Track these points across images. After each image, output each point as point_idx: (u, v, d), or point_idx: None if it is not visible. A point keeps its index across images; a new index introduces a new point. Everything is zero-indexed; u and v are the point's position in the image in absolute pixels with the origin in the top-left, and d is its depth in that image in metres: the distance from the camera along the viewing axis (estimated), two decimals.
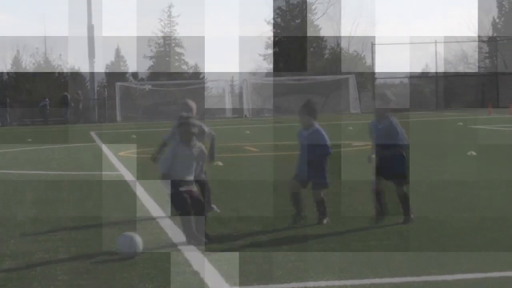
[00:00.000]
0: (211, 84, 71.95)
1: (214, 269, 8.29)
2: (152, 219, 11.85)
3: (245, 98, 63.17)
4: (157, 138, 30.47)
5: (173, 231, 10.54)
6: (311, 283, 7.63)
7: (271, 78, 68.71)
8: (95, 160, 23.20)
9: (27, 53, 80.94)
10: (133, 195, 14.62)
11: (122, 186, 16.33)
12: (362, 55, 78.44)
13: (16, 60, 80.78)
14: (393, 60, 75.26)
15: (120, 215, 12.36)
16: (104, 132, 41.25)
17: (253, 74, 77.74)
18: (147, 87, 72.10)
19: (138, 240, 9.00)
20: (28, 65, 79.52)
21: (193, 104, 12.01)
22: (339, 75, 67.44)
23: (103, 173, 18.91)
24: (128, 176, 18.16)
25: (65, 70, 76.53)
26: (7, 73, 75.96)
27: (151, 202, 13.46)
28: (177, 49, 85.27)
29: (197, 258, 8.83)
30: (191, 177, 9.93)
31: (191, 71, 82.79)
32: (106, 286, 7.84)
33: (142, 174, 17.60)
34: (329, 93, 66.41)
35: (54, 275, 8.28)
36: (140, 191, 15.06)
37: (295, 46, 75.35)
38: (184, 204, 9.62)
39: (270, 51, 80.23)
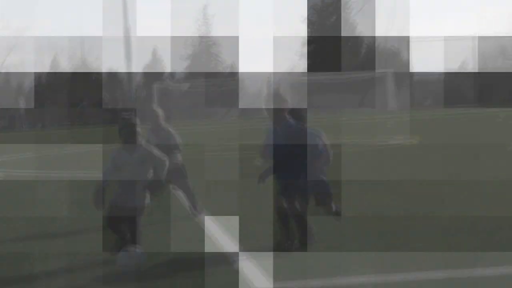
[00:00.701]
0: (246, 83, 71.99)
1: (250, 265, 8.30)
2: (188, 219, 11.88)
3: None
4: (194, 138, 30.95)
5: (208, 226, 10.58)
6: (345, 280, 7.60)
7: (306, 78, 68.57)
8: None
9: (64, 55, 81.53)
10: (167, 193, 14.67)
11: None
12: (398, 51, 77.96)
13: (54, 62, 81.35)
14: (429, 56, 74.53)
15: (156, 214, 12.38)
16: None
17: (288, 73, 77.59)
18: (184, 87, 72.33)
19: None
20: (66, 66, 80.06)
21: (159, 110, 11.83)
22: (375, 72, 67.16)
23: None
24: None
25: (102, 71, 76.94)
26: (46, 74, 76.56)
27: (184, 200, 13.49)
28: (213, 49, 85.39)
29: (233, 255, 8.84)
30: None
31: (227, 71, 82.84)
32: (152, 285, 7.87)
33: None
34: (365, 90, 66.20)
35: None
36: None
37: (329, 45, 75.11)
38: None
39: (305, 49, 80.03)
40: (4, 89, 74.81)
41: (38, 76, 75.47)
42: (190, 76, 79.36)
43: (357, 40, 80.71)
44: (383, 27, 78.50)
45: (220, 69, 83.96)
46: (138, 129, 8.68)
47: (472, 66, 69.67)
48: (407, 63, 70.95)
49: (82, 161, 24.57)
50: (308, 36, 79.35)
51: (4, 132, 54.93)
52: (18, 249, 8.62)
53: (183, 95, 69.20)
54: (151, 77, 74.10)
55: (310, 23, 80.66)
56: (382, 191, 14.25)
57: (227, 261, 8.69)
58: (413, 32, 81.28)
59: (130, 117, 8.75)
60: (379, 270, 7.95)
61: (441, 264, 8.10)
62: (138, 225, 8.65)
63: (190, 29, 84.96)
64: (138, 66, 77.03)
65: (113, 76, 75.91)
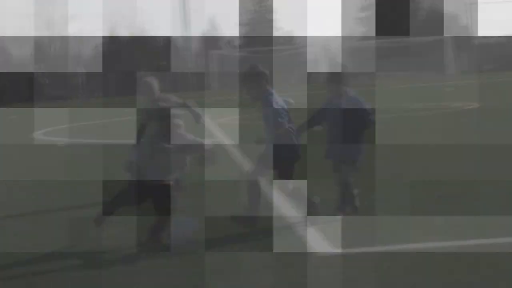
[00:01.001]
0: (306, 49, 71.58)
1: (316, 233, 8.30)
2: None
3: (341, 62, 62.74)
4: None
5: (276, 193, 10.60)
6: (413, 246, 7.56)
7: (368, 42, 67.96)
8: (195, 127, 23.34)
9: (122, 22, 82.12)
10: (229, 159, 14.73)
11: (221, 152, 16.44)
12: (459, 14, 76.72)
13: (112, 29, 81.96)
14: (491, 20, 72.97)
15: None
16: (201, 100, 41.40)
17: (349, 38, 76.95)
18: (242, 54, 72.31)
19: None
20: (124, 33, 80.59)
21: (153, 82, 10.96)
22: (435, 36, 66.23)
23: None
24: (228, 141, 18.33)
25: (159, 37, 77.21)
26: (103, 41, 77.09)
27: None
28: (271, 15, 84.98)
29: (299, 222, 8.85)
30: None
31: (286, 36, 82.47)
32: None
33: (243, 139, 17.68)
34: (425, 54, 65.38)
35: None
36: (238, 156, 15.16)
37: (395, 8, 74.17)
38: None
39: (368, 13, 79.17)
40: (65, 57, 75.65)
41: (98, 43, 76.08)
42: (248, 42, 79.27)
43: (421, 4, 79.59)
44: None
45: (279, 34, 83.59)
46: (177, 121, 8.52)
47: None
48: (468, 26, 69.76)
49: None
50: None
51: (65, 99, 55.52)
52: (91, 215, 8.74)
53: (241, 62, 69.16)
54: (209, 44, 74.20)
55: None
56: (445, 155, 14.13)
57: (294, 225, 8.73)
58: None
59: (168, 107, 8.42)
60: (447, 235, 7.90)
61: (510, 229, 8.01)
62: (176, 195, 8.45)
63: None
64: (195, 33, 77.10)
65: (171, 42, 76.09)
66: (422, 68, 62.44)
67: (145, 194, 8.06)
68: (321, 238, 8.02)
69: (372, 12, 78.24)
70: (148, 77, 11.05)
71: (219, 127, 23.31)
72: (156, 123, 8.18)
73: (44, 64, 73.17)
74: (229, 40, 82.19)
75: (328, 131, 8.94)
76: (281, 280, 6.70)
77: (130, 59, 66.85)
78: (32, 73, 64.15)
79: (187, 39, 70.90)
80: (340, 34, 73.76)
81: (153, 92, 10.90)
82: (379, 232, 8.10)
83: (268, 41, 76.78)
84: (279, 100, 8.51)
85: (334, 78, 8.87)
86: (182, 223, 8.14)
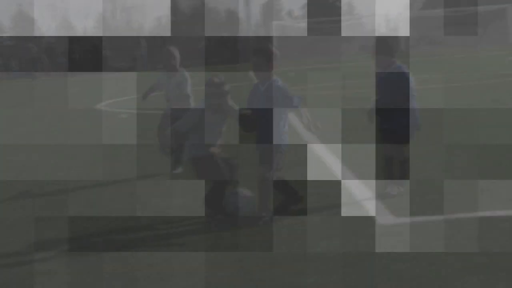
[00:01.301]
0: (365, 20, 70.99)
1: (380, 202, 8.29)
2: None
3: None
4: (313, 76, 30.85)
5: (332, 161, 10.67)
6: (480, 213, 7.52)
7: (425, 11, 66.97)
8: None
9: None
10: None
11: None
12: None
13: (174, 2, 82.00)
14: None
15: None
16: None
17: (406, 8, 75.81)
18: (303, 25, 71.90)
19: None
20: (186, 8, 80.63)
21: (176, 52, 10.93)
22: (496, 5, 64.92)
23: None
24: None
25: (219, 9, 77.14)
26: (165, 15, 77.26)
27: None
28: None
29: (362, 189, 8.90)
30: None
31: (345, 7, 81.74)
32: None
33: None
34: (485, 25, 64.20)
35: None
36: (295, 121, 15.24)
37: None
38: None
39: None
40: (126, 31, 76.12)
41: (159, 17, 76.43)
42: (310, 12, 78.72)
43: None
44: None
45: (339, 5, 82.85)
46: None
47: None
48: None
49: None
50: None
51: (126, 71, 55.99)
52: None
53: (301, 33, 68.76)
54: (269, 15, 74.02)
55: None
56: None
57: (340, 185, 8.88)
58: None
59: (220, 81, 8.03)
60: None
61: None
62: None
63: None
64: (256, 4, 76.93)
65: (230, 15, 76.06)
66: (481, 39, 61.39)
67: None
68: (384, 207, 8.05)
69: None
70: (170, 46, 11.05)
71: None
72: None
73: (109, 36, 73.86)
74: (289, 11, 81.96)
75: (378, 101, 8.58)
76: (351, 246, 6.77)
77: (196, 29, 66.96)
78: (98, 44, 64.87)
79: (248, 10, 70.88)
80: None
81: (176, 60, 10.94)
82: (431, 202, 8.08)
83: (329, 11, 76.17)
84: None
85: (380, 50, 8.49)
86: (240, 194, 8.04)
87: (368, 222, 7.46)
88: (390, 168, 8.61)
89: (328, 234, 7.20)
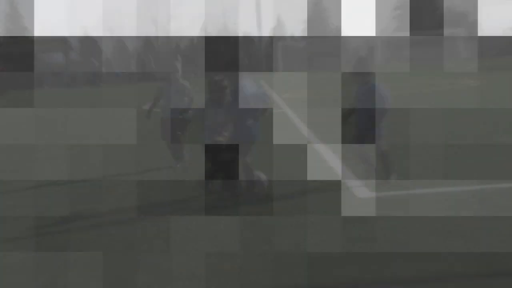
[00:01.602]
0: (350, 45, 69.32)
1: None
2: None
3: None
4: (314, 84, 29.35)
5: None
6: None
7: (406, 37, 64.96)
8: None
9: (208, 19, 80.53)
10: (293, 125, 13.25)
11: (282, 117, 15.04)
12: (467, 12, 72.97)
13: (203, 27, 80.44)
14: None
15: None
16: (269, 78, 40.28)
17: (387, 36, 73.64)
18: (301, 44, 70.58)
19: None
20: (211, 31, 78.98)
21: (178, 65, 9.34)
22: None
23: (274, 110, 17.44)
24: (290, 112, 16.95)
25: (238, 35, 75.68)
26: (197, 38, 75.77)
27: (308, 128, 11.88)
28: (324, 14, 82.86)
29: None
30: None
31: (332, 34, 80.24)
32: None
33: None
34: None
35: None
36: (297, 121, 13.71)
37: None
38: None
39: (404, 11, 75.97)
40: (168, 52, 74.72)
41: (190, 39, 75.05)
42: (307, 37, 77.62)
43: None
44: None
45: (328, 31, 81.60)
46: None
47: None
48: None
49: None
50: None
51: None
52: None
53: (301, 50, 67.73)
54: (277, 40, 72.95)
55: None
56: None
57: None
58: None
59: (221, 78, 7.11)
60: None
61: None
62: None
63: None
64: (266, 29, 75.75)
65: (247, 40, 74.73)
66: None
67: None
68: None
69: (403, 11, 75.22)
70: (176, 61, 9.35)
71: (283, 100, 21.75)
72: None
73: (152, 57, 72.89)
74: (291, 37, 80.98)
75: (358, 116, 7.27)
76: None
77: (214, 56, 65.81)
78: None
79: (260, 37, 69.93)
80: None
81: (176, 74, 9.27)
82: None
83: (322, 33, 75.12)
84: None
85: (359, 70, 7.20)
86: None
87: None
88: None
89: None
